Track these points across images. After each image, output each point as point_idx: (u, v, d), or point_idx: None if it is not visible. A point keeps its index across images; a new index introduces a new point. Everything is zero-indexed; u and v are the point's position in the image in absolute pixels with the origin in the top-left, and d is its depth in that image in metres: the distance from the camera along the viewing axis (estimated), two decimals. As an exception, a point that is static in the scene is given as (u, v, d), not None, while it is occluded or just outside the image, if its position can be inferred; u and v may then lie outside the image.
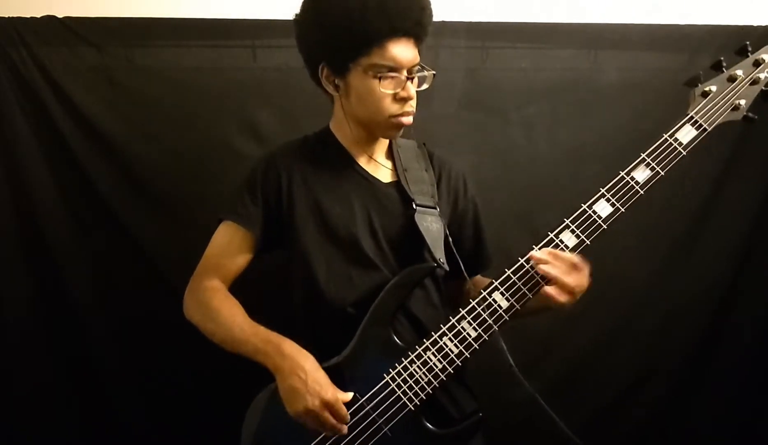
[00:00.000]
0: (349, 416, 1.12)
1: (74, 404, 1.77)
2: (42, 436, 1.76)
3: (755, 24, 1.76)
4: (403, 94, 1.18)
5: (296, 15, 1.22)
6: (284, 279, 1.30)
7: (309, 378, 1.11)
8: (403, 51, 1.15)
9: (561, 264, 1.10)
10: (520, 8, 1.79)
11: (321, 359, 1.16)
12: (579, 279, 1.11)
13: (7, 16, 1.65)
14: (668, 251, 1.86)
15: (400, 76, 1.16)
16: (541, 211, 1.78)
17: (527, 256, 1.13)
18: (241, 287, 1.28)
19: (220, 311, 1.21)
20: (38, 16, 1.66)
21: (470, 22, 1.75)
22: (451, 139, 1.75)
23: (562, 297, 1.09)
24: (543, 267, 1.09)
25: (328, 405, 1.10)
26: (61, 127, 1.69)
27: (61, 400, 1.77)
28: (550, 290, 1.09)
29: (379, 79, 1.15)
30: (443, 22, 1.71)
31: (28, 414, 1.75)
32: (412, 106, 1.21)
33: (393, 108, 1.19)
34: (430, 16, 1.20)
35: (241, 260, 1.27)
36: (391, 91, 1.17)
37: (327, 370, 1.15)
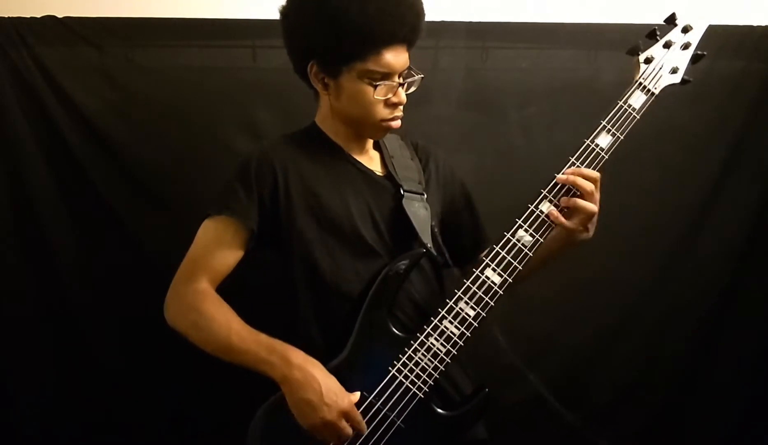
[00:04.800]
0: (364, 422, 1.12)
1: (73, 402, 1.77)
2: (41, 434, 1.76)
3: (755, 24, 1.76)
4: (394, 99, 1.18)
5: (283, 7, 1.19)
6: (274, 279, 1.26)
7: (323, 388, 1.08)
8: (396, 57, 1.15)
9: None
10: (520, 8, 1.78)
11: (331, 356, 1.15)
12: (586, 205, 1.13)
13: (7, 16, 1.65)
14: (668, 250, 1.86)
15: (392, 83, 1.17)
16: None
17: (512, 230, 1.16)
18: (233, 290, 1.22)
19: (214, 317, 1.15)
20: (38, 16, 1.66)
21: (470, 22, 1.75)
22: (450, 139, 1.75)
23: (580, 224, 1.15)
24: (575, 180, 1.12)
25: (345, 414, 1.09)
26: (61, 127, 1.69)
27: (60, 398, 1.77)
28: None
29: (374, 87, 1.15)
30: (443, 22, 1.71)
31: (27, 412, 1.76)
32: (401, 110, 1.22)
33: (384, 113, 1.19)
34: (424, 20, 1.20)
35: (231, 259, 1.20)
36: (383, 98, 1.17)
37: (330, 372, 1.13)
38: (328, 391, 1.08)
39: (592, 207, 1.13)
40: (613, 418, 1.88)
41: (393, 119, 1.21)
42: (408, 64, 1.19)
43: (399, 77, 1.18)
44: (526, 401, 1.77)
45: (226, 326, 1.14)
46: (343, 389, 1.11)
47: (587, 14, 1.80)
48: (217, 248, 1.20)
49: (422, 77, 1.23)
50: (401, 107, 1.21)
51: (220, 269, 1.20)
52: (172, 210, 1.74)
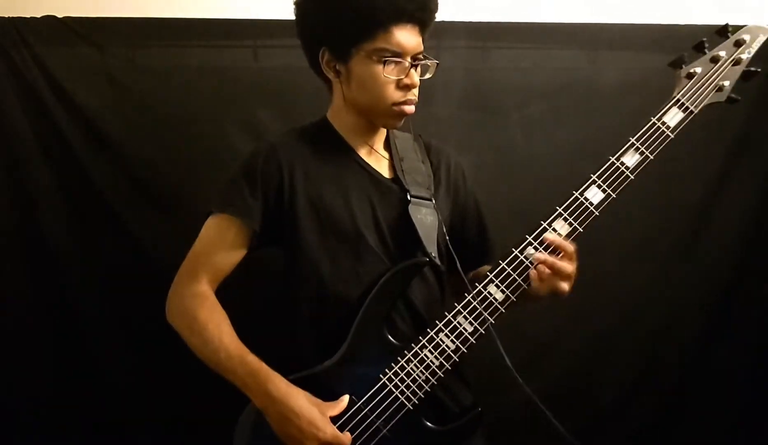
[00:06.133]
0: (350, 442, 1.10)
1: (73, 401, 1.77)
2: (42, 434, 1.76)
3: (755, 24, 1.76)
4: (406, 81, 1.15)
5: None
6: (278, 276, 1.26)
7: (303, 422, 1.07)
8: (407, 37, 1.13)
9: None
10: (520, 8, 1.79)
11: (326, 358, 1.15)
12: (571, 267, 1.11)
13: (7, 16, 1.65)
14: (668, 251, 1.86)
15: (404, 62, 1.14)
16: (541, 211, 1.78)
17: (521, 246, 1.12)
18: (234, 286, 1.23)
19: (207, 326, 1.14)
20: (38, 16, 1.66)
21: (470, 22, 1.75)
22: (451, 139, 1.75)
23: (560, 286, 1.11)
24: (542, 267, 1.09)
25: (327, 444, 1.08)
26: (62, 127, 1.69)
27: (60, 398, 1.77)
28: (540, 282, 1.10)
29: (384, 63, 1.13)
30: (443, 22, 1.70)
31: (27, 412, 1.76)
32: (414, 94, 1.18)
33: (396, 95, 1.16)
34: (437, 1, 1.18)
35: (234, 257, 1.20)
36: (394, 77, 1.14)
37: (320, 373, 1.13)
38: (309, 425, 1.07)
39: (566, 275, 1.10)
40: (615, 418, 1.88)
41: (406, 102, 1.17)
42: (421, 48, 1.16)
43: (411, 60, 1.15)
44: (528, 406, 1.77)
45: (217, 338, 1.13)
46: (324, 419, 1.08)
47: (587, 14, 1.80)
48: (219, 246, 1.19)
49: (437, 63, 1.20)
50: (415, 90, 1.17)
51: (221, 268, 1.20)
52: (172, 210, 1.74)
